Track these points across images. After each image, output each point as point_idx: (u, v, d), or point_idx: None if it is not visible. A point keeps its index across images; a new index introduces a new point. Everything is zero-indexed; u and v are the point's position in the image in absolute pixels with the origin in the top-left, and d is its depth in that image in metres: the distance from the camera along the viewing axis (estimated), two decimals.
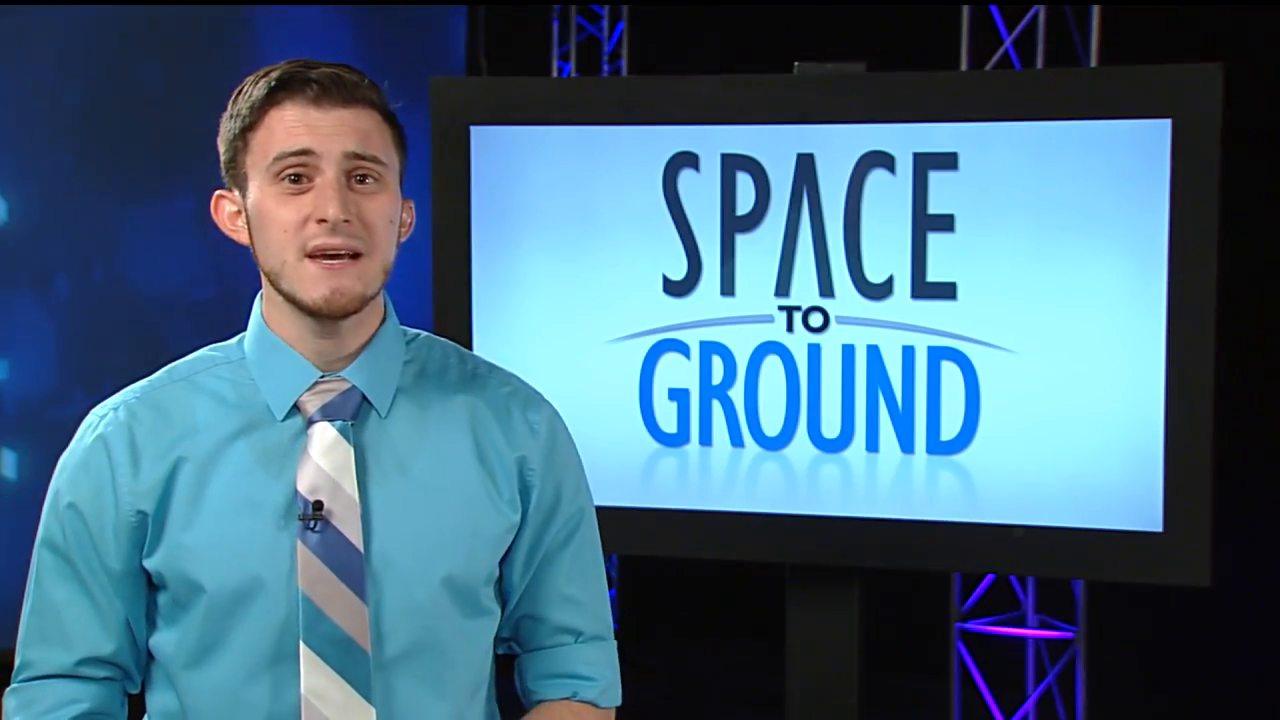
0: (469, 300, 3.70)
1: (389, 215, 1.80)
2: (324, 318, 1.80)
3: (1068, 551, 3.49)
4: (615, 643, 2.02)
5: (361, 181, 1.78)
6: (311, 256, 1.76)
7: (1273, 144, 4.65)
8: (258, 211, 1.79)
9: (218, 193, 1.85)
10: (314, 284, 1.77)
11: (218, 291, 4.89)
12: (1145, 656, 5.06)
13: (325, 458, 1.81)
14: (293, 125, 1.76)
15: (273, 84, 1.78)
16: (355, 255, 1.77)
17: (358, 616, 1.79)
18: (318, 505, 1.79)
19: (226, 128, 1.82)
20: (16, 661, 1.87)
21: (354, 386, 1.84)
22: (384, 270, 1.80)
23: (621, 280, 3.66)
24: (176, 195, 4.89)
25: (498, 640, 1.97)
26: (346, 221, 1.75)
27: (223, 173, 1.84)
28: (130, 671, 1.88)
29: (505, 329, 3.71)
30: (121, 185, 4.82)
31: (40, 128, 4.67)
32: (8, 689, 1.87)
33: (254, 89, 1.79)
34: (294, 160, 1.76)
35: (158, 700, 1.88)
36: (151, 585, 1.86)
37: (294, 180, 1.76)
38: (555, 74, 5.73)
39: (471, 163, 3.68)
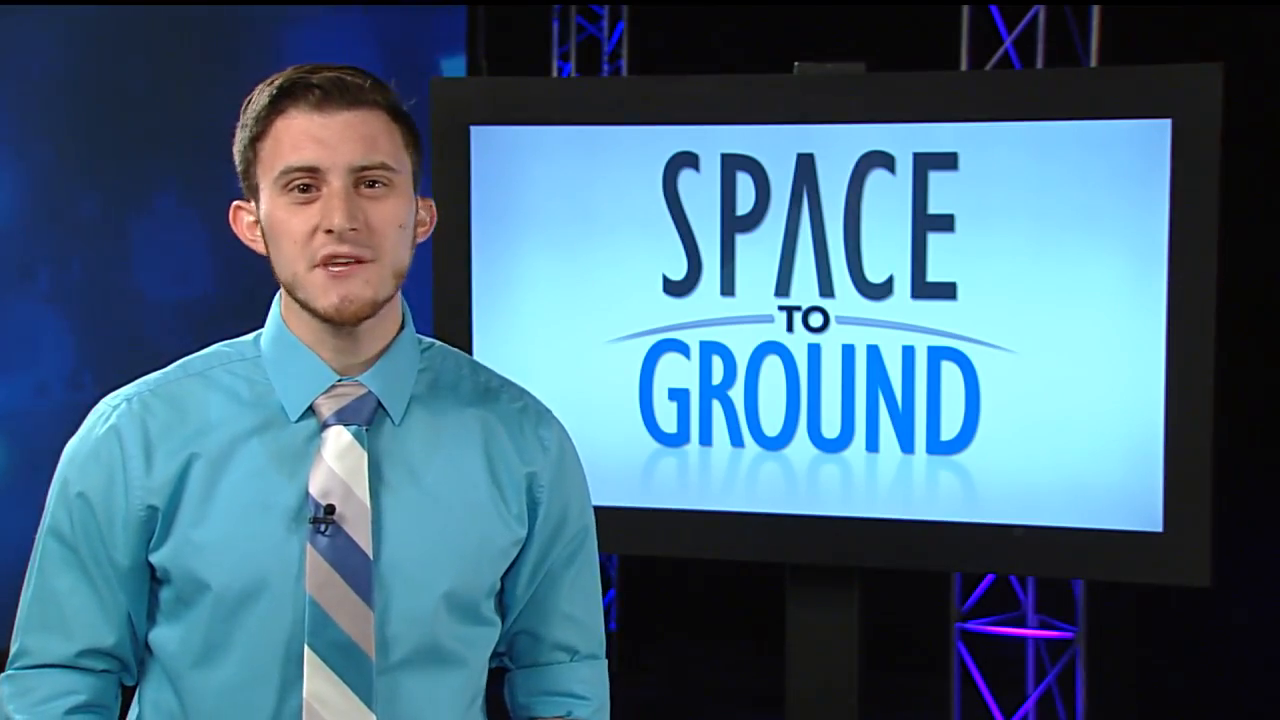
0: (469, 300, 3.70)
1: (398, 220, 1.78)
2: (339, 324, 1.79)
3: (1068, 551, 3.49)
4: (606, 661, 2.03)
5: (371, 186, 1.77)
6: (321, 265, 1.76)
7: (1273, 144, 4.65)
8: (270, 222, 1.78)
9: (235, 203, 1.84)
10: (325, 292, 1.76)
11: (202, 290, 4.89)
12: (1145, 656, 5.06)
13: (339, 461, 1.81)
14: (298, 134, 1.75)
15: (275, 92, 1.77)
16: (363, 261, 1.77)
17: (363, 622, 1.79)
18: (329, 509, 1.79)
19: (238, 138, 1.81)
20: (13, 648, 1.86)
21: (370, 392, 1.84)
22: (395, 274, 1.79)
23: (621, 280, 3.66)
24: (159, 194, 4.88)
25: (492, 654, 1.97)
26: (354, 230, 1.75)
27: (240, 183, 1.84)
28: (129, 665, 1.87)
29: (505, 329, 3.71)
30: (106, 182, 4.81)
31: (30, 123, 4.67)
32: (2, 675, 1.86)
33: (259, 98, 1.79)
34: (300, 174, 1.76)
35: (153, 697, 1.87)
36: (154, 579, 1.85)
37: (303, 190, 1.76)
38: (555, 74, 5.73)
39: (471, 163, 3.68)
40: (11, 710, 1.83)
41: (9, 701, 1.83)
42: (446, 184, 3.68)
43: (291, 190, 1.76)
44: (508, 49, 5.77)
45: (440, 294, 3.72)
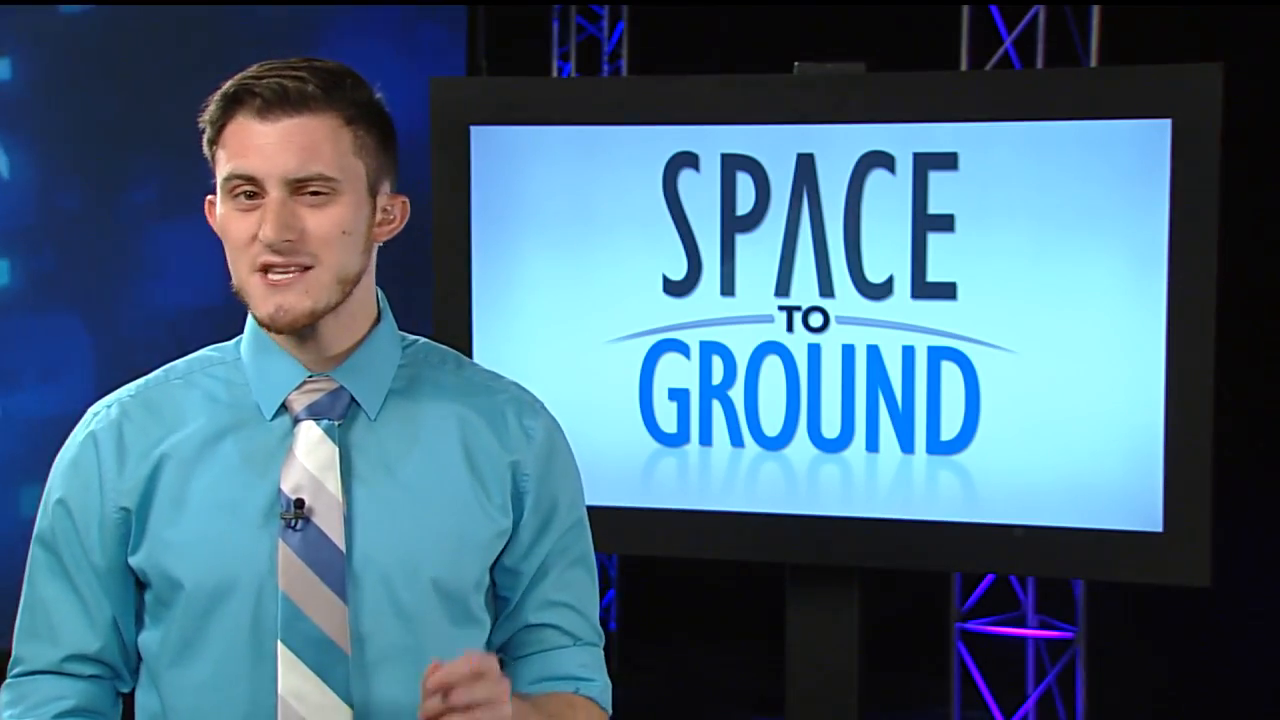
0: (469, 300, 3.70)
1: (340, 227, 1.77)
2: (278, 332, 1.80)
3: (1068, 551, 3.49)
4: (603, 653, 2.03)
5: (313, 195, 1.77)
6: (260, 271, 1.77)
7: (1273, 144, 4.65)
8: (220, 225, 1.81)
9: (208, 198, 1.85)
10: (263, 300, 1.78)
11: (171, 286, 4.87)
12: (1145, 656, 5.06)
13: (309, 457, 1.81)
14: (241, 142, 1.76)
15: (223, 98, 1.79)
16: (304, 268, 1.77)
17: (337, 617, 1.79)
18: (299, 503, 1.79)
19: (205, 134, 1.82)
20: (12, 656, 1.88)
21: (341, 387, 1.85)
22: (339, 280, 1.79)
23: (621, 280, 3.66)
24: (130, 189, 4.88)
25: (490, 650, 1.96)
26: (288, 241, 1.75)
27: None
28: (119, 671, 1.88)
29: (505, 329, 3.71)
30: (78, 175, 4.81)
31: (40, 120, 4.68)
32: (4, 684, 1.89)
33: (214, 100, 1.80)
34: (239, 182, 1.77)
35: (142, 700, 1.89)
36: (139, 584, 1.86)
37: (247, 196, 1.77)
38: (555, 74, 5.73)
39: (471, 163, 3.68)
40: (7, 717, 1.85)
41: (6, 709, 1.86)
42: (446, 184, 3.68)
43: (236, 196, 1.77)
44: (508, 49, 5.77)
45: (440, 294, 3.71)
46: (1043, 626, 4.65)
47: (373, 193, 1.82)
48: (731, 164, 3.60)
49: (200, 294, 4.87)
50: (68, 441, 1.88)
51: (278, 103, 1.75)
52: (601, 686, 1.98)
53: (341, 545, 1.80)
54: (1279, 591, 4.84)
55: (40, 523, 1.87)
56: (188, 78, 4.78)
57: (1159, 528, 3.42)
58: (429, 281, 3.72)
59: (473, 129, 3.68)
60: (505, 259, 3.70)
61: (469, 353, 3.62)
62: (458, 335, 3.65)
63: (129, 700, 1.92)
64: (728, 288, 3.62)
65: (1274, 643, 4.85)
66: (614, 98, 3.75)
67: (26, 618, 1.88)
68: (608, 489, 3.60)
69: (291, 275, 1.76)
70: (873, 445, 3.57)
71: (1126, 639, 4.95)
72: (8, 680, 1.88)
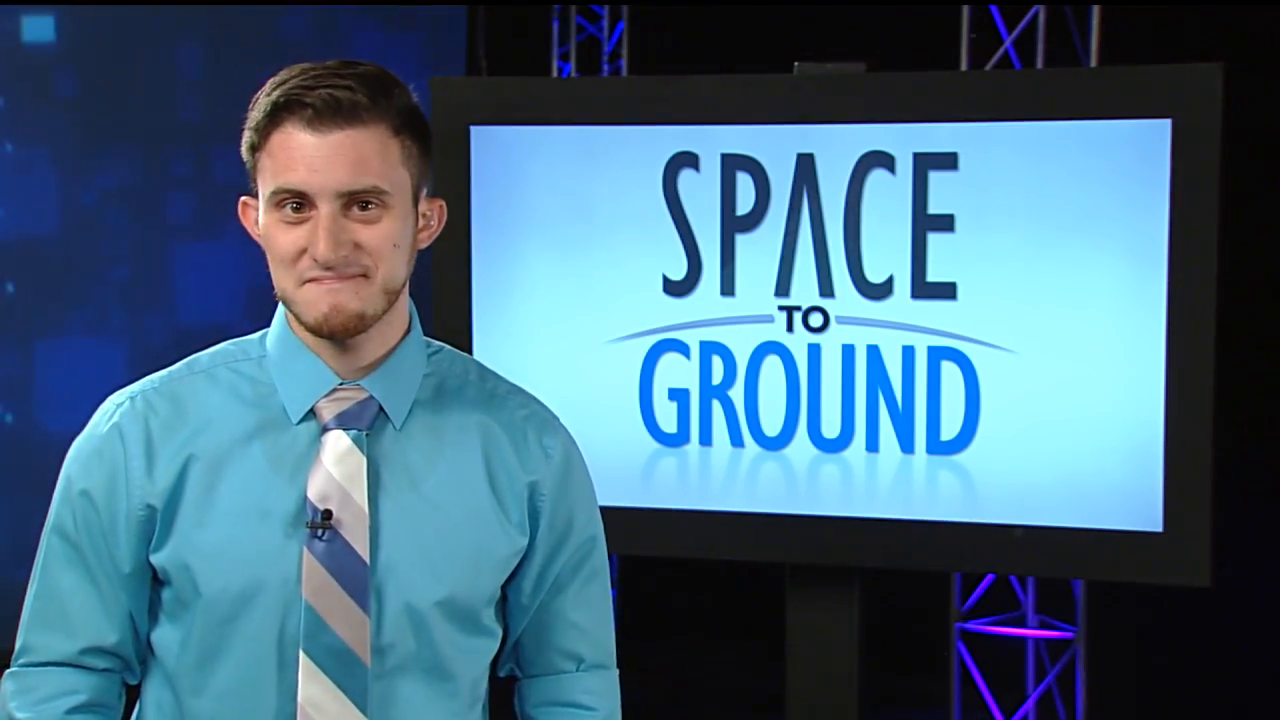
0: (469, 300, 3.70)
1: (391, 239, 1.77)
2: (327, 337, 1.79)
3: (1068, 551, 3.49)
4: (618, 672, 2.01)
5: (363, 208, 1.76)
6: (311, 281, 1.76)
7: (1273, 144, 4.65)
8: (265, 234, 1.79)
9: (243, 199, 1.83)
10: (315, 303, 1.76)
11: (140, 275, 4.88)
12: (1145, 657, 5.06)
13: (337, 466, 1.80)
14: (290, 154, 1.74)
15: (271, 106, 1.76)
16: (356, 275, 1.76)
17: (359, 628, 1.79)
18: (326, 514, 1.79)
19: (244, 139, 1.80)
20: (17, 645, 1.86)
21: (371, 396, 1.84)
22: (385, 291, 1.78)
23: (621, 280, 3.66)
24: (102, 175, 4.88)
25: (501, 663, 1.96)
26: (341, 255, 1.74)
27: (249, 180, 1.83)
28: (131, 663, 1.87)
29: (505, 329, 3.71)
30: (62, 171, 4.81)
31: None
32: (7, 672, 1.86)
33: (260, 105, 1.77)
34: (289, 196, 1.75)
35: (155, 698, 1.88)
36: (155, 580, 1.85)
37: (295, 209, 1.75)
38: (555, 74, 5.73)
39: (471, 163, 3.68)
40: (14, 708, 1.83)
41: (11, 699, 1.84)
42: (446, 184, 3.68)
43: (284, 208, 1.76)
44: (508, 49, 5.77)
45: (440, 294, 3.71)
46: (1043, 626, 4.65)
47: (415, 201, 1.82)
48: (731, 164, 3.60)
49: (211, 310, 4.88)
50: (87, 432, 1.86)
51: (329, 114, 1.73)
52: (603, 716, 1.97)
53: (366, 557, 1.80)
54: (1279, 591, 4.84)
55: (58, 513, 1.85)
56: (204, 83, 4.80)
57: (1159, 528, 3.42)
58: (429, 281, 3.72)
59: (473, 129, 3.68)
60: (505, 259, 3.70)
61: (468, 353, 3.62)
62: (458, 335, 3.65)
63: (130, 691, 1.92)
64: (728, 288, 3.62)
65: (1274, 643, 4.85)
66: (614, 98, 3.75)
67: (39, 607, 1.85)
68: (608, 489, 3.57)
69: (343, 279, 1.76)
70: (873, 445, 3.57)
71: (1126, 639, 4.95)
72: (12, 669, 1.86)
